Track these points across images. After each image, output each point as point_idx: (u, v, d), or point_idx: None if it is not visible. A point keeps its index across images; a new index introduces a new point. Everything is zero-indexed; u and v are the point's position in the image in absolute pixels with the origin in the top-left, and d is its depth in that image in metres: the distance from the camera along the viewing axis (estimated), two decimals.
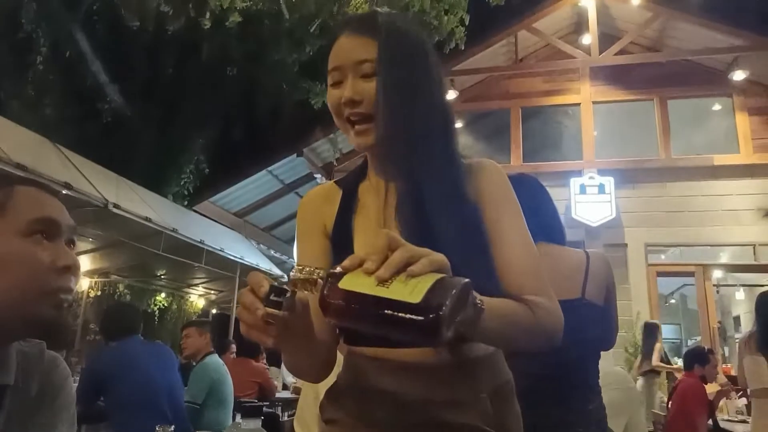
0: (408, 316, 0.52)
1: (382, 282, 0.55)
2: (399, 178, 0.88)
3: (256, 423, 3.14)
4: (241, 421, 2.99)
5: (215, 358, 3.61)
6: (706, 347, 5.09)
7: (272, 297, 0.62)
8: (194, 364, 3.87)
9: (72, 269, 0.83)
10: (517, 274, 0.86)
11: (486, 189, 0.91)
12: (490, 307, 0.68)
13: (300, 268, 0.62)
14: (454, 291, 0.54)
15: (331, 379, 0.95)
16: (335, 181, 1.01)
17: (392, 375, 0.85)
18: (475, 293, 0.63)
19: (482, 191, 0.91)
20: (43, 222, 0.83)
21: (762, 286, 6.69)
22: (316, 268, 0.62)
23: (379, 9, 0.97)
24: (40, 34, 7.05)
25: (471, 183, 0.91)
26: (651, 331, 5.49)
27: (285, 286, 0.63)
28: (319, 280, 0.60)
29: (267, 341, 0.65)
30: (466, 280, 0.56)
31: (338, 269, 0.60)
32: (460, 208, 0.86)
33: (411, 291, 0.53)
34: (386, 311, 0.54)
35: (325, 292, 0.59)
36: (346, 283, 0.57)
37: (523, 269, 0.87)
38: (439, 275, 0.56)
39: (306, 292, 0.63)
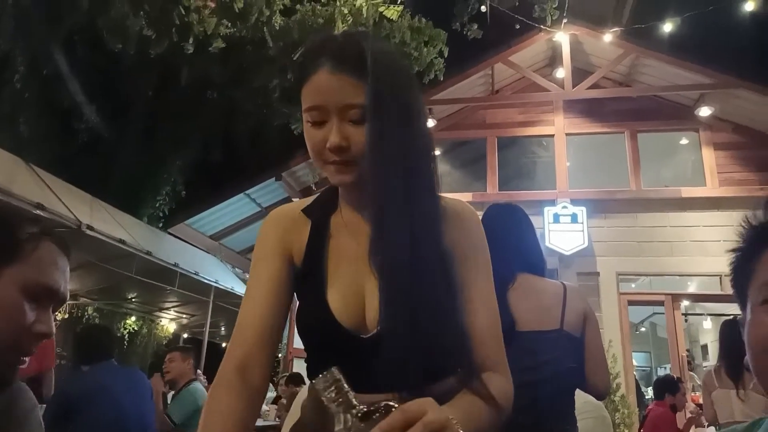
0: None
1: None
2: (378, 222, 0.83)
3: None
4: None
5: (200, 386, 3.62)
6: (675, 376, 5.16)
7: None
8: (167, 390, 3.81)
9: (45, 337, 0.84)
10: (482, 346, 0.85)
11: (460, 240, 0.90)
12: (464, 427, 0.66)
13: (328, 380, 0.59)
14: None
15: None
16: (302, 209, 0.96)
17: None
18: (461, 427, 0.63)
19: (456, 241, 0.89)
20: (47, 290, 0.84)
21: (728, 315, 6.88)
22: (340, 395, 0.59)
23: (358, 35, 0.92)
24: (18, 52, 6.98)
25: (448, 227, 0.89)
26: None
27: None
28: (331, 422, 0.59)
29: None
30: None
31: None
32: (438, 257, 0.84)
33: None
34: None
35: None
36: None
37: (487, 342, 0.86)
38: None
39: None
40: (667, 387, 4.41)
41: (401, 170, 0.82)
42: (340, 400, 0.58)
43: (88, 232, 4.69)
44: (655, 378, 7.19)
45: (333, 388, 0.58)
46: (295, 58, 5.79)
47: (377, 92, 0.81)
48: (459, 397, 0.78)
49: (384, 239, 0.81)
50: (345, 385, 0.58)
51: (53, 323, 0.86)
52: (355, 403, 0.58)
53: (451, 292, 0.86)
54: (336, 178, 0.86)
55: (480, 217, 0.99)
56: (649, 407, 4.61)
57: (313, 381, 0.60)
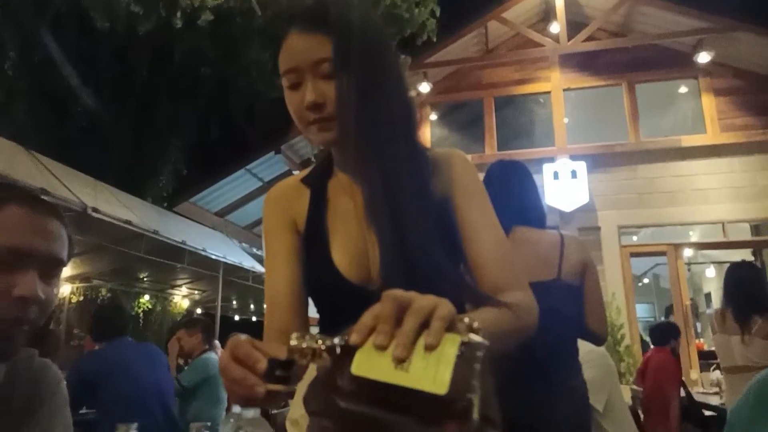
0: (436, 408, 0.47)
1: (400, 362, 0.49)
2: (365, 178, 0.86)
3: (256, 411, 3.22)
4: (240, 410, 3.05)
5: (214, 356, 3.71)
6: (666, 320, 5.19)
7: (278, 373, 0.55)
8: (183, 363, 3.94)
9: (28, 300, 0.81)
10: (492, 270, 0.86)
11: (456, 182, 0.91)
12: (484, 328, 0.63)
13: (299, 335, 0.54)
14: (477, 365, 0.48)
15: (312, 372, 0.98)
16: (301, 179, 0.99)
17: None
18: (472, 320, 0.58)
19: (452, 184, 0.91)
20: (10, 251, 0.81)
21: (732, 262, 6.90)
22: (318, 338, 0.53)
23: None
24: (7, 38, 6.93)
25: (439, 175, 0.90)
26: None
27: (287, 358, 0.55)
28: (324, 354, 0.53)
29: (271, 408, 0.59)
30: (486, 343, 0.51)
31: (342, 341, 0.52)
32: (429, 205, 0.85)
33: (434, 375, 0.48)
34: (409, 403, 0.48)
35: (337, 377, 0.51)
36: (360, 366, 0.50)
37: (497, 265, 0.86)
38: (456, 341, 0.50)
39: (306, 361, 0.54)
40: (671, 332, 4.45)
41: (375, 120, 0.83)
42: (309, 338, 0.54)
43: (94, 214, 4.75)
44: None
45: (300, 341, 0.53)
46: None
47: (341, 43, 0.82)
48: (474, 311, 0.77)
49: (370, 194, 0.84)
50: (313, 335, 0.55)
51: (36, 285, 0.83)
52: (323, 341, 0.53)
53: (450, 234, 0.87)
54: (318, 137, 0.86)
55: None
56: (648, 354, 4.60)
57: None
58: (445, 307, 0.53)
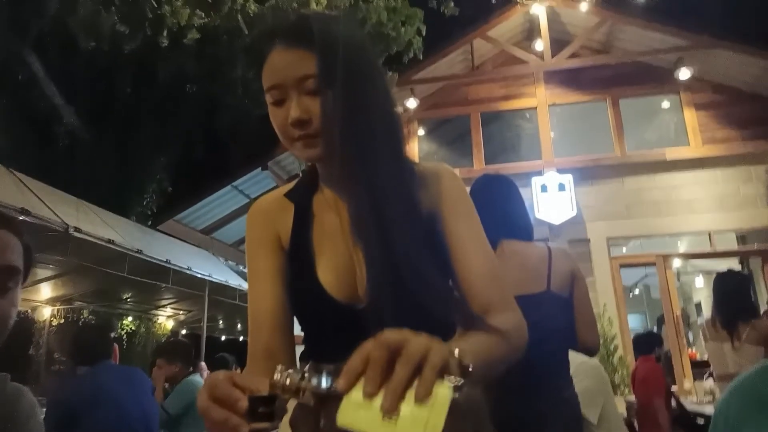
0: None
1: (389, 413, 0.47)
2: (351, 194, 0.84)
3: None
4: None
5: (198, 378, 3.63)
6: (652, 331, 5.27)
7: (260, 410, 0.53)
8: (169, 388, 3.85)
9: None
10: (480, 286, 0.85)
11: (443, 197, 0.90)
12: (475, 362, 0.60)
13: (283, 370, 0.52)
14: (468, 413, 0.50)
15: None
16: (284, 194, 0.97)
17: None
18: (463, 354, 0.56)
19: (440, 199, 0.89)
20: None
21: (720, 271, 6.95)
22: (304, 373, 0.52)
23: (308, 12, 0.91)
24: None
25: (427, 190, 0.89)
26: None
27: (269, 394, 0.53)
28: (308, 393, 0.51)
29: None
30: (478, 392, 0.51)
31: (328, 383, 0.51)
32: (417, 221, 0.84)
33: (424, 428, 0.46)
34: None
35: (321, 426, 0.50)
36: (346, 416, 0.48)
37: (485, 281, 0.85)
38: (447, 392, 0.48)
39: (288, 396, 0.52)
40: (655, 341, 4.58)
41: (362, 136, 0.82)
42: (293, 375, 0.52)
43: (76, 234, 4.65)
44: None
45: (283, 377, 0.52)
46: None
47: (327, 56, 0.81)
48: (464, 335, 0.75)
49: (356, 211, 0.82)
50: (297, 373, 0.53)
51: None
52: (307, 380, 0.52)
53: (438, 249, 0.86)
54: (304, 154, 0.85)
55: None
56: (635, 365, 4.66)
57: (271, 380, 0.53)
58: (437, 353, 0.51)
